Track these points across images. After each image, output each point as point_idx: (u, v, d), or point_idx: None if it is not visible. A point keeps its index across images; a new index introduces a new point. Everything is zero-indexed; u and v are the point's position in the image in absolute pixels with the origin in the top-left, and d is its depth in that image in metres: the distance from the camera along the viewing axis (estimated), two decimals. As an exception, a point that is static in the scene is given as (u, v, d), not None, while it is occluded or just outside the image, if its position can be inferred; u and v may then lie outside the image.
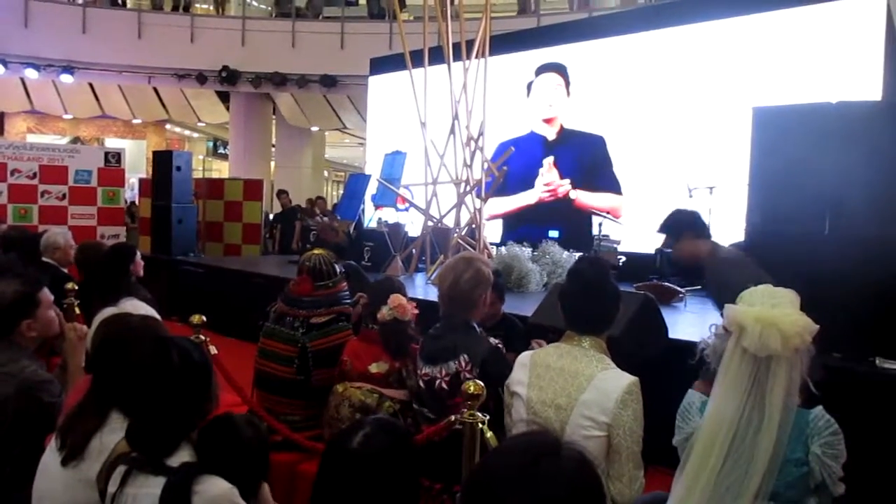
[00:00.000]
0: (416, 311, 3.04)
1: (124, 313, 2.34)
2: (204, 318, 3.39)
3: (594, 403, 2.10)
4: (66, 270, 4.99)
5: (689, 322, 4.90)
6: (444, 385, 2.58)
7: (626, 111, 8.36)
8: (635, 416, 2.10)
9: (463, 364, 2.57)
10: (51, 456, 1.95)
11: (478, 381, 2.26)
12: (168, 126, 20.07)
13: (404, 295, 3.05)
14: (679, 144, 7.78)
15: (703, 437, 1.84)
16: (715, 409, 1.85)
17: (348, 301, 3.42)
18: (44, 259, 4.94)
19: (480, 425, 2.19)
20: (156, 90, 16.33)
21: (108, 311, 2.34)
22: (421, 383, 2.69)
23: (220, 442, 1.88)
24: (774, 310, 1.81)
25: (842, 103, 5.10)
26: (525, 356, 2.36)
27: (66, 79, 14.61)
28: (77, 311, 4.07)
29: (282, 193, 12.03)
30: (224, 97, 16.70)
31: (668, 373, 3.15)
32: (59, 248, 5.01)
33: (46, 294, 2.76)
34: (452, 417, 2.31)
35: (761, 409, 1.79)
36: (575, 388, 2.14)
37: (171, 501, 1.59)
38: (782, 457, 1.78)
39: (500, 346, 2.63)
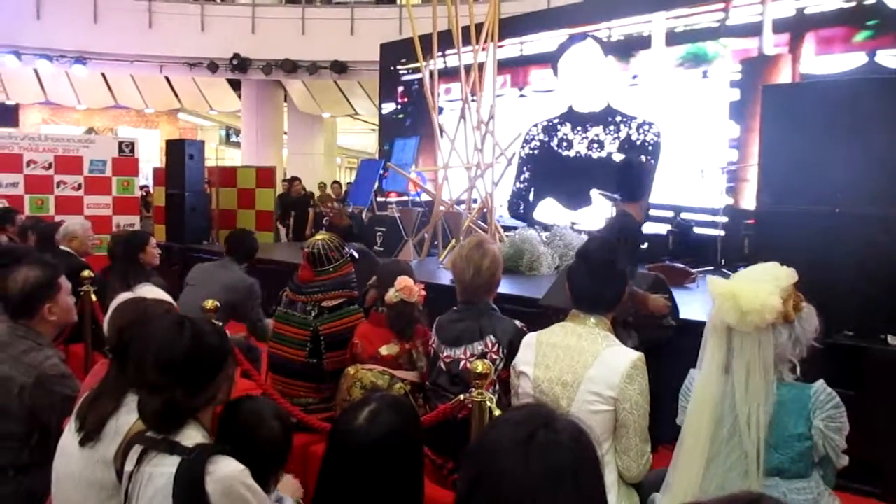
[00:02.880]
0: (424, 293, 3.06)
1: (140, 297, 2.39)
2: (217, 304, 3.44)
3: (600, 379, 2.12)
4: (83, 260, 5.07)
5: (701, 303, 4.88)
6: (468, 366, 2.60)
7: (638, 92, 8.19)
8: (641, 390, 2.12)
9: (490, 345, 2.62)
10: (69, 437, 2.00)
11: (485, 361, 2.29)
12: (180, 115, 20.16)
13: (412, 277, 3.07)
14: (691, 126, 7.70)
15: (692, 412, 1.86)
16: (699, 384, 1.87)
17: (354, 284, 3.44)
18: (61, 247, 5.02)
19: (489, 404, 2.22)
20: (168, 79, 16.39)
21: (122, 297, 2.39)
22: (442, 365, 2.73)
23: (244, 432, 1.94)
24: (750, 284, 1.82)
25: (853, 79, 5.06)
26: (531, 336, 2.39)
27: (78, 70, 14.70)
28: (93, 297, 4.14)
29: (294, 180, 12.09)
30: (235, 85, 16.74)
31: (679, 352, 3.17)
32: (76, 237, 5.09)
33: (65, 280, 2.84)
34: (462, 396, 2.34)
35: (741, 385, 1.80)
36: (581, 365, 2.16)
37: (185, 480, 1.64)
38: (784, 432, 1.80)
39: (524, 327, 2.66)
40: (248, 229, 6.06)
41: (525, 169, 8.25)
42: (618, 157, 7.22)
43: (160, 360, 1.76)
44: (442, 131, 7.51)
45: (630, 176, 3.94)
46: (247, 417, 1.99)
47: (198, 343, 1.78)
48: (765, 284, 1.83)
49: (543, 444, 1.06)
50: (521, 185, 8.32)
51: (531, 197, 8.42)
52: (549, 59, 8.81)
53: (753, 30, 7.12)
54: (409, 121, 11.22)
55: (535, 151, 8.16)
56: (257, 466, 1.87)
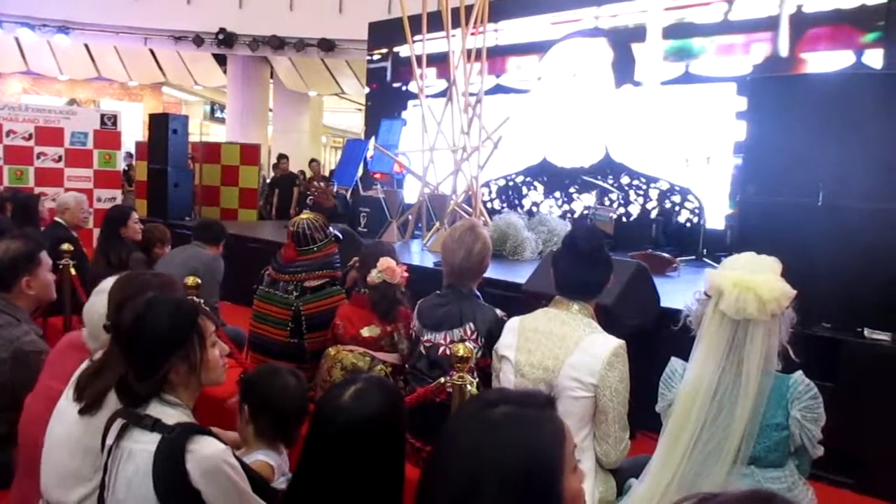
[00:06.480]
0: (406, 275, 3.06)
1: (140, 272, 2.42)
2: (199, 281, 3.41)
3: (581, 365, 2.14)
4: (74, 233, 5.11)
5: (682, 291, 4.90)
6: (447, 352, 2.61)
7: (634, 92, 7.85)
8: (622, 377, 2.14)
9: (468, 332, 2.63)
10: (66, 404, 1.98)
11: (467, 345, 2.30)
12: (165, 89, 19.90)
13: (395, 259, 3.07)
14: (677, 112, 7.59)
15: (681, 402, 1.88)
16: (693, 374, 1.88)
17: (338, 265, 3.43)
18: (56, 219, 5.19)
19: (469, 387, 2.23)
20: (152, 52, 16.16)
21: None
22: (422, 349, 2.73)
23: (266, 391, 2.08)
24: (753, 275, 1.84)
25: (840, 74, 5.09)
26: (514, 321, 2.40)
27: (61, 39, 14.44)
28: (73, 272, 4.11)
29: (281, 158, 11.98)
30: (221, 60, 16.54)
31: (659, 340, 3.20)
32: (68, 208, 5.21)
33: (46, 256, 2.83)
34: (443, 379, 2.35)
35: (738, 373, 1.82)
36: (562, 351, 2.18)
37: (164, 459, 1.63)
38: (761, 421, 1.82)
39: (505, 316, 2.67)
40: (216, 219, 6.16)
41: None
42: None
43: (119, 338, 1.79)
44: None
45: None
46: (266, 378, 2.12)
47: (138, 325, 1.75)
48: (770, 273, 1.85)
49: (498, 419, 1.08)
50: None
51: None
52: (529, 49, 7.75)
53: (754, 26, 6.71)
54: (375, 107, 11.04)
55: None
56: (280, 423, 2.06)
